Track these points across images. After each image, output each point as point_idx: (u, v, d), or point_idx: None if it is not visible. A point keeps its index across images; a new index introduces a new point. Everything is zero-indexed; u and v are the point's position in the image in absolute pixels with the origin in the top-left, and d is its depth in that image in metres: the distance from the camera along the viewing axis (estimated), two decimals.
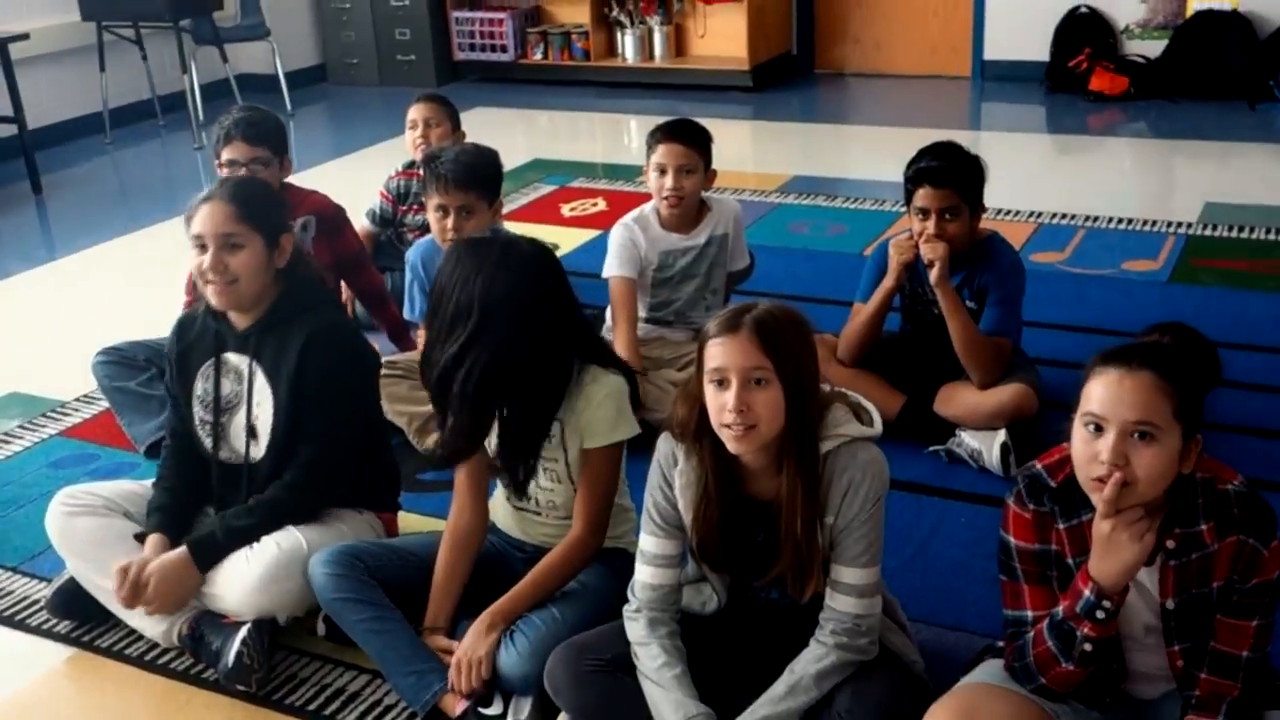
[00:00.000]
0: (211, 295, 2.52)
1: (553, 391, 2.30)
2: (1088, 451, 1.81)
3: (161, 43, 7.26)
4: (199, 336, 2.62)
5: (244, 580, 2.42)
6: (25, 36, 6.19)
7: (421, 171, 4.00)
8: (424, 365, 2.32)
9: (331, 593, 2.33)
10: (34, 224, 5.88)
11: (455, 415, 2.28)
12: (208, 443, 2.61)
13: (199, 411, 2.62)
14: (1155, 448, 1.78)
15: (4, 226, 5.75)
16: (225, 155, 3.42)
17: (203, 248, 2.50)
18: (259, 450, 2.57)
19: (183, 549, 2.45)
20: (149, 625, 2.50)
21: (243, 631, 2.37)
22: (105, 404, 3.59)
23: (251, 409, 2.56)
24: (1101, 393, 1.80)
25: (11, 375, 4.01)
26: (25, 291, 4.90)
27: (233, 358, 2.58)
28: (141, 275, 4.88)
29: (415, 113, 4.07)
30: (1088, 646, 1.85)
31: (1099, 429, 1.80)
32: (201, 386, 2.61)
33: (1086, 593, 1.84)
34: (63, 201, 6.12)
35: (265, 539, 2.47)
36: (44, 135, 6.75)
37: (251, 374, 2.55)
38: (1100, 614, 1.83)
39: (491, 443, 2.39)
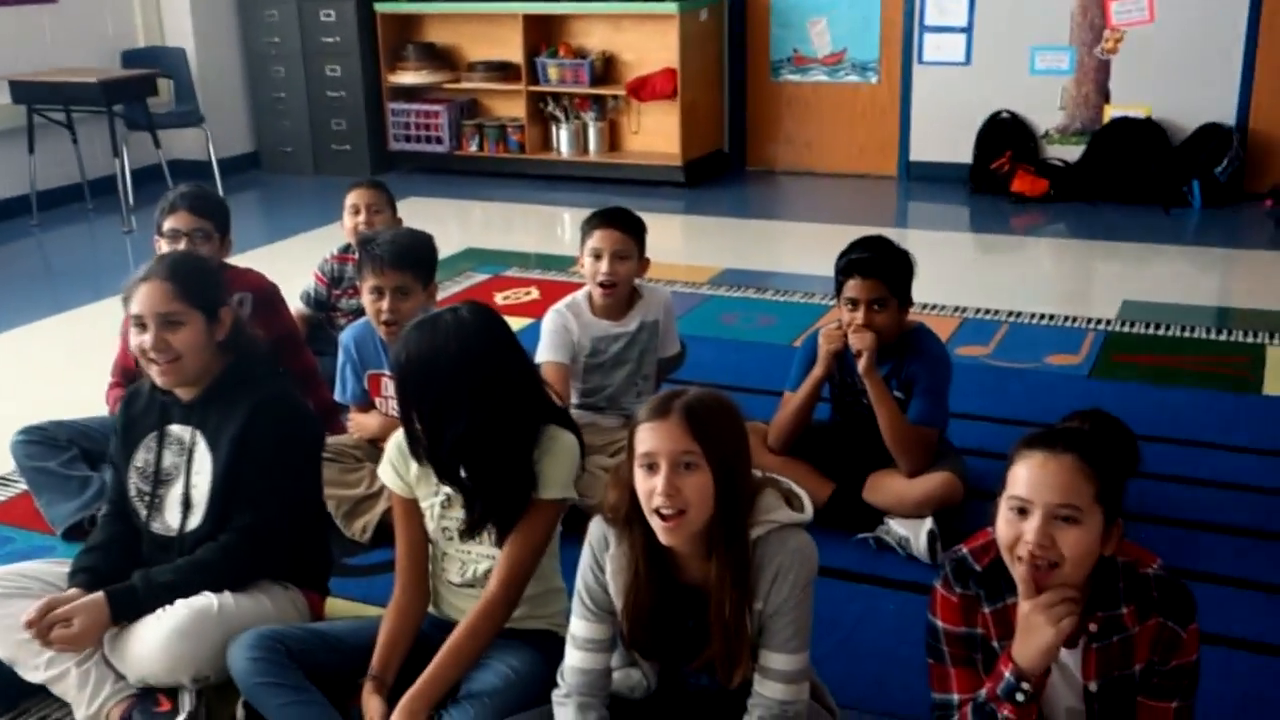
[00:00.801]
0: (155, 374, 2.53)
1: (525, 447, 2.30)
2: (1012, 533, 1.85)
3: (93, 127, 7.22)
4: (145, 409, 2.63)
5: (151, 638, 2.37)
6: None
7: (356, 256, 4.01)
8: (411, 447, 2.32)
9: (251, 676, 2.28)
10: None
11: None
12: (142, 513, 2.60)
13: (136, 481, 2.61)
14: (1078, 530, 1.82)
15: None
16: (168, 225, 3.43)
17: (142, 327, 2.50)
18: (194, 521, 2.55)
19: (100, 594, 2.42)
20: (80, 706, 2.42)
21: (182, 717, 2.33)
22: (21, 486, 3.51)
23: (190, 479, 2.55)
24: (1026, 476, 1.84)
25: None
26: None
27: (176, 429, 2.58)
28: (67, 357, 4.80)
29: (355, 198, 4.08)
30: None
31: (1024, 512, 1.84)
32: (142, 457, 2.61)
33: (1007, 675, 1.86)
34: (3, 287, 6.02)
35: (179, 603, 2.43)
36: None
37: (193, 443, 2.55)
38: (1020, 696, 1.86)
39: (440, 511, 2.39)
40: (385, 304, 3.15)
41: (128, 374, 3.44)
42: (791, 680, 2.05)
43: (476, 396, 2.23)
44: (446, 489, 2.35)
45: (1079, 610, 1.86)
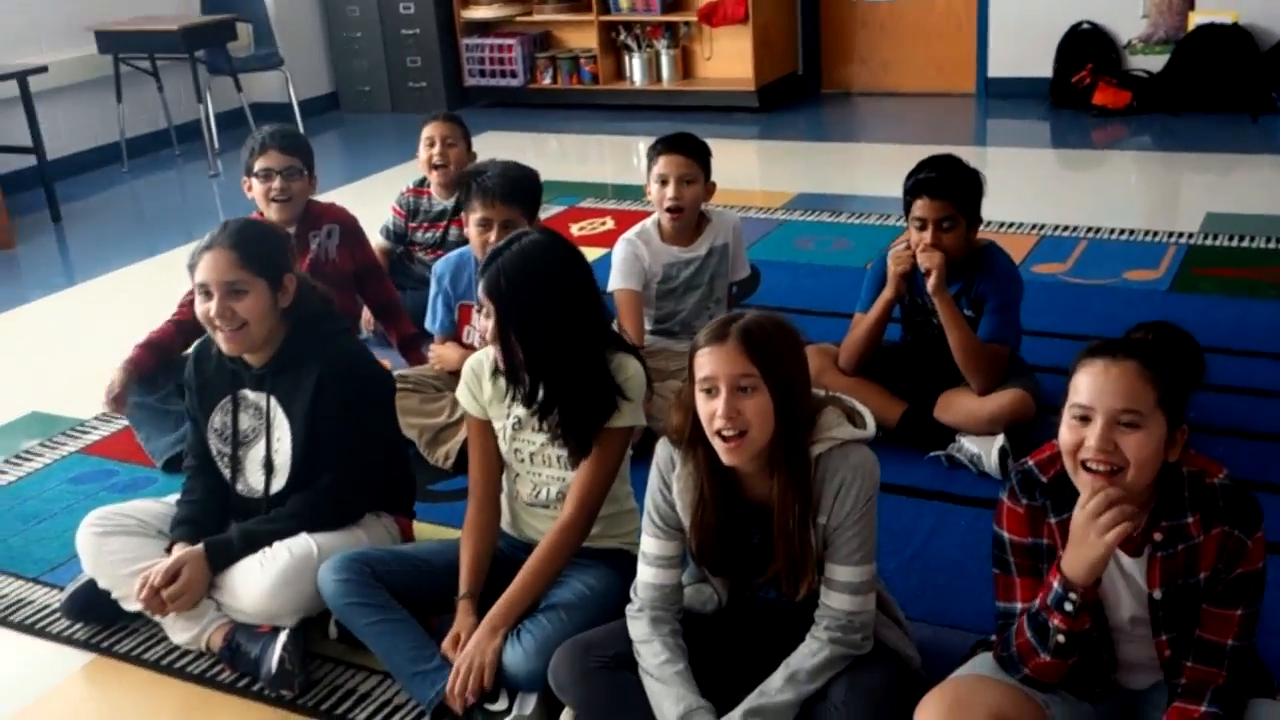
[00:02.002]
0: (222, 341, 2.58)
1: (603, 367, 2.37)
2: (1075, 439, 1.86)
3: (177, 73, 7.39)
4: (217, 372, 2.69)
5: (257, 585, 2.49)
6: (43, 69, 6.31)
7: (430, 188, 4.09)
8: (507, 365, 2.37)
9: (340, 598, 2.39)
10: (53, 251, 5.98)
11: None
12: (226, 473, 2.70)
13: (215, 443, 2.70)
14: (1141, 434, 1.83)
15: (24, 253, 5.85)
16: (259, 165, 3.53)
17: (208, 295, 2.55)
18: (278, 483, 2.65)
19: (199, 547, 2.54)
20: (179, 632, 2.57)
21: (282, 638, 2.44)
22: (123, 422, 3.67)
23: (271, 443, 2.63)
24: (1088, 383, 1.85)
25: (32, 396, 4.10)
26: (44, 316, 5.00)
27: (250, 394, 2.66)
28: (158, 300, 4.92)
29: (430, 130, 4.15)
30: (1061, 638, 1.89)
31: (1085, 419, 1.85)
32: (220, 420, 2.69)
33: (1055, 585, 1.89)
34: (81, 230, 6.23)
35: (278, 545, 2.54)
36: (62, 165, 6.86)
37: (269, 409, 2.63)
38: (1069, 606, 1.87)
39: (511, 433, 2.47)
40: (493, 236, 3.15)
41: (183, 321, 3.55)
42: (857, 591, 2.10)
43: (567, 313, 2.30)
44: (519, 411, 2.43)
45: (1134, 521, 1.87)
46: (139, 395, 3.53)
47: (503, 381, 2.42)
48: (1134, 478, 1.84)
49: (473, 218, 3.25)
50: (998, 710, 1.95)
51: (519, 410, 2.43)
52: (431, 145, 4.12)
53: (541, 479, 2.48)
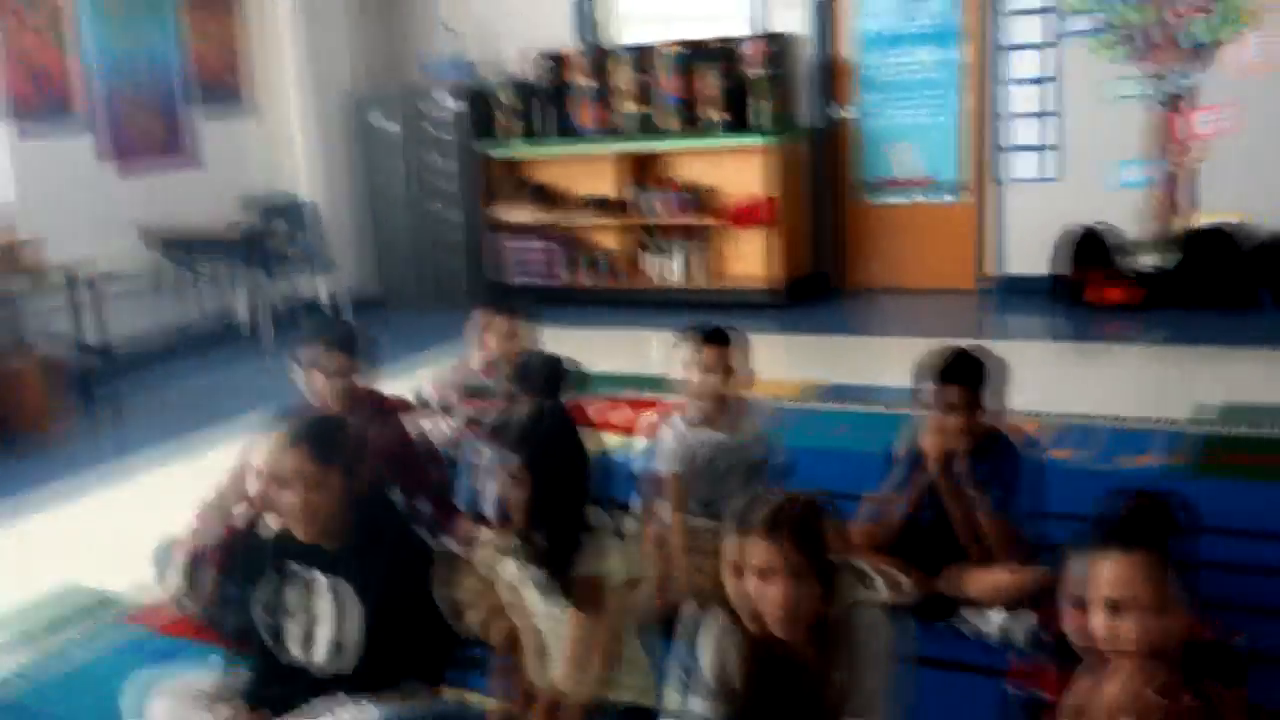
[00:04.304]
0: (297, 531, 2.74)
1: (579, 506, 2.70)
2: (1107, 628, 2.01)
3: (232, 273, 7.79)
4: (284, 551, 2.79)
5: None
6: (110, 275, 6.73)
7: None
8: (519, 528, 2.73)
9: None
10: (109, 440, 6.26)
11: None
12: (293, 651, 2.79)
13: (261, 616, 2.79)
14: (1163, 617, 2.00)
15: (82, 448, 6.09)
16: (309, 359, 3.78)
17: (284, 486, 2.68)
18: (345, 662, 2.74)
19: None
20: None
21: None
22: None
23: (342, 624, 2.74)
24: (1109, 575, 2.01)
25: (84, 571, 4.28)
26: (98, 499, 5.22)
27: (321, 577, 2.76)
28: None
29: (490, 326, 4.31)
30: None
31: (1115, 609, 2.00)
32: (291, 599, 2.78)
33: None
34: (139, 422, 6.49)
35: (340, 711, 2.67)
36: (124, 359, 7.16)
37: (340, 591, 2.74)
38: None
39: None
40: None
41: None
42: None
43: (573, 469, 2.69)
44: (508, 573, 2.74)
45: (1154, 683, 2.01)
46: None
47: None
48: (1163, 659, 2.00)
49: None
50: None
51: (509, 571, 2.74)
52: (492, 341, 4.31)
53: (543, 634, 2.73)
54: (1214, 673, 2.05)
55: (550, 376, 3.59)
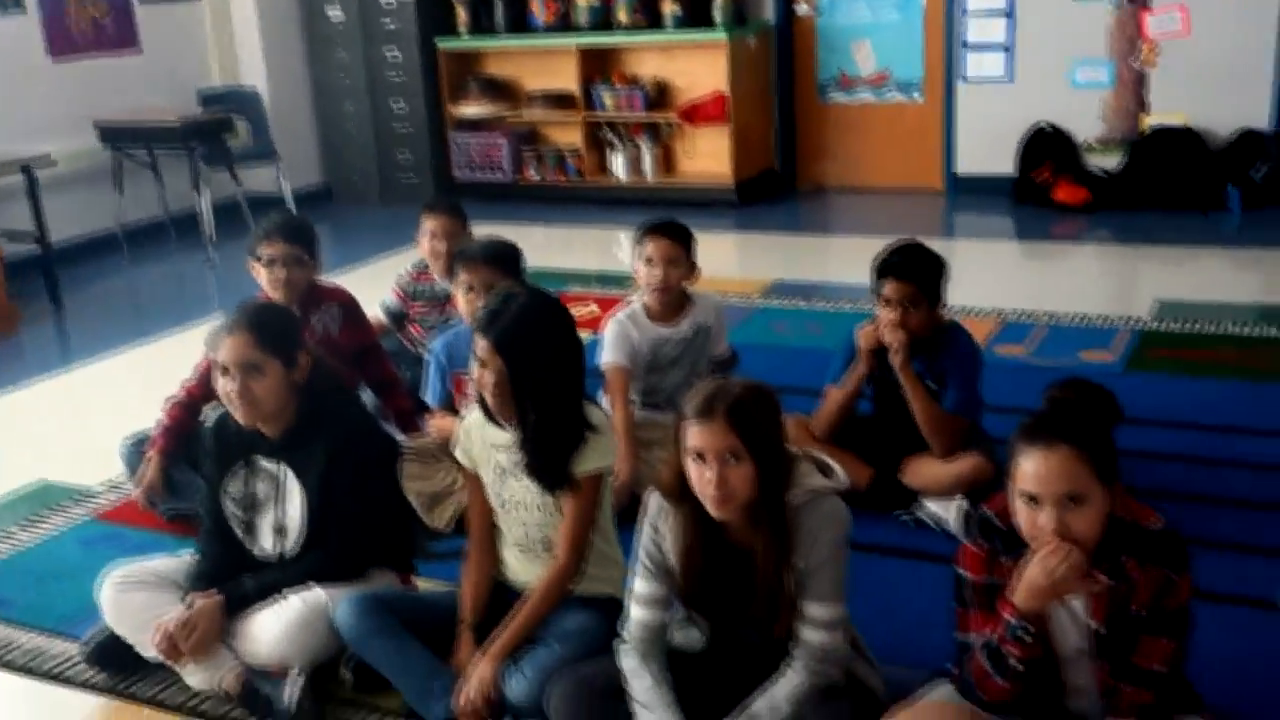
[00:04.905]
0: (239, 415, 2.79)
1: (574, 403, 2.62)
2: (1029, 522, 2.10)
3: (175, 165, 7.66)
4: (236, 440, 2.88)
5: (273, 631, 2.69)
6: (49, 160, 6.58)
7: (432, 273, 4.33)
8: (500, 409, 2.64)
9: (355, 628, 2.61)
10: (53, 335, 6.20)
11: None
12: (239, 535, 2.89)
13: (231, 508, 2.89)
14: (1087, 509, 2.07)
15: (26, 337, 6.06)
16: (265, 252, 3.75)
17: (226, 373, 2.75)
18: (289, 545, 2.84)
19: (215, 597, 2.73)
20: (195, 677, 2.74)
21: (300, 680, 2.62)
22: (130, 489, 3.86)
23: (284, 509, 2.84)
24: (1032, 470, 2.08)
25: (40, 467, 4.28)
26: (48, 394, 5.20)
27: (265, 463, 2.85)
28: (156, 382, 5.15)
29: (434, 223, 4.36)
30: (1016, 665, 2.12)
31: (1035, 500, 2.08)
32: (236, 486, 2.88)
33: (1010, 619, 2.11)
34: (81, 315, 6.44)
35: (291, 596, 2.74)
36: (64, 252, 7.05)
37: (283, 477, 2.83)
38: (1024, 636, 2.10)
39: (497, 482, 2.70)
40: (478, 299, 3.43)
41: (191, 399, 3.77)
42: (830, 627, 2.31)
43: (563, 360, 2.60)
44: (500, 458, 2.68)
45: (1080, 565, 2.09)
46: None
47: (487, 432, 2.68)
48: (1086, 543, 2.07)
49: (459, 286, 3.53)
50: None
51: (501, 458, 2.68)
52: (434, 236, 4.34)
53: (525, 525, 2.71)
54: (1155, 558, 2.12)
55: (495, 254, 3.56)
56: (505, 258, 3.60)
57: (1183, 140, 7.15)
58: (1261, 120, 7.06)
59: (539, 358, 2.56)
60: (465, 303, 3.55)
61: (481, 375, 2.60)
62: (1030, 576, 2.08)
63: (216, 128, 7.51)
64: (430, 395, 3.74)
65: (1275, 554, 3.09)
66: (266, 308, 2.97)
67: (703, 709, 2.36)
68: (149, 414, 3.86)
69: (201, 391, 3.70)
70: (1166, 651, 2.13)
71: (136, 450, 3.82)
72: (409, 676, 2.57)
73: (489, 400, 2.62)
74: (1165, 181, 7.14)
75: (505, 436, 2.67)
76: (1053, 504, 2.05)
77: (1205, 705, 2.23)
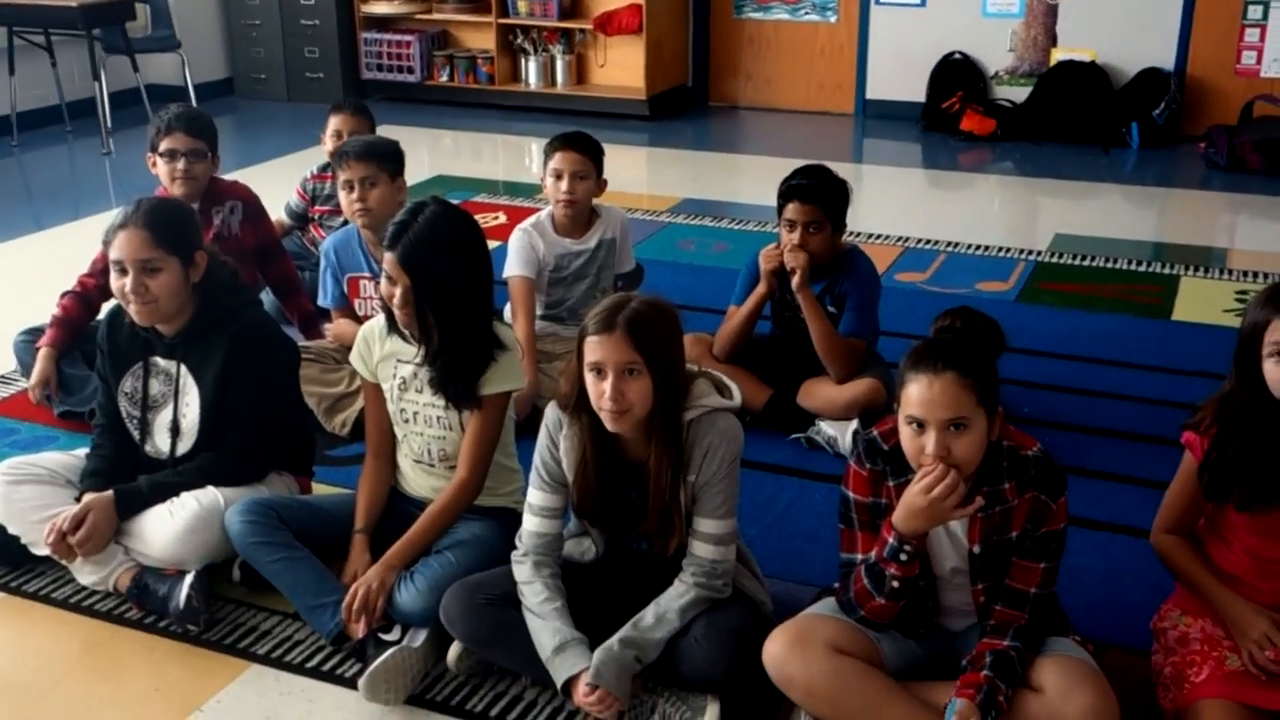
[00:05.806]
0: (135, 314, 2.73)
1: (487, 318, 2.62)
2: (914, 446, 2.17)
3: (72, 50, 7.40)
4: (130, 339, 2.83)
5: (167, 531, 2.67)
6: None
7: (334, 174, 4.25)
8: (402, 320, 2.60)
9: (246, 537, 2.60)
10: None
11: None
12: (134, 435, 2.86)
13: (125, 406, 2.85)
14: (968, 434, 2.14)
15: None
16: (165, 145, 3.66)
17: (122, 271, 2.70)
18: (184, 446, 2.82)
19: (107, 494, 2.71)
20: (86, 575, 2.73)
21: (190, 578, 2.62)
22: (22, 384, 3.79)
23: (179, 408, 2.81)
24: (916, 396, 2.15)
25: None
26: None
27: (161, 361, 2.81)
28: (48, 273, 5.02)
29: (339, 122, 4.29)
30: (896, 584, 2.21)
31: (920, 425, 2.15)
32: (130, 384, 2.84)
33: (890, 539, 2.20)
34: None
35: (185, 495, 2.72)
36: None
37: (179, 376, 2.80)
38: (903, 556, 2.18)
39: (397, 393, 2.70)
40: (356, 194, 3.47)
41: (86, 293, 3.71)
42: (720, 542, 2.37)
43: (472, 274, 2.58)
44: (404, 372, 2.68)
45: (959, 489, 2.17)
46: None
47: (391, 343, 2.67)
48: (966, 468, 2.15)
49: (340, 184, 3.52)
50: (836, 644, 2.25)
51: (404, 371, 2.68)
52: (339, 136, 4.26)
53: (424, 438, 2.72)
54: (1032, 483, 2.20)
55: (374, 151, 3.51)
56: (385, 154, 3.56)
57: (1089, 75, 7.27)
58: (1167, 60, 7.21)
59: (448, 274, 2.54)
60: (346, 201, 3.52)
61: (389, 290, 2.58)
62: (910, 498, 2.16)
63: (117, 13, 7.24)
64: (324, 297, 3.71)
65: (1148, 484, 3.23)
66: (164, 203, 2.91)
67: (595, 620, 2.42)
68: (43, 307, 3.77)
69: (97, 285, 3.63)
70: (1040, 574, 2.24)
71: (28, 344, 3.74)
72: (298, 590, 2.57)
73: (397, 315, 2.60)
74: (1070, 116, 7.26)
75: (410, 349, 2.66)
76: (936, 428, 2.12)
77: (1073, 627, 2.34)
